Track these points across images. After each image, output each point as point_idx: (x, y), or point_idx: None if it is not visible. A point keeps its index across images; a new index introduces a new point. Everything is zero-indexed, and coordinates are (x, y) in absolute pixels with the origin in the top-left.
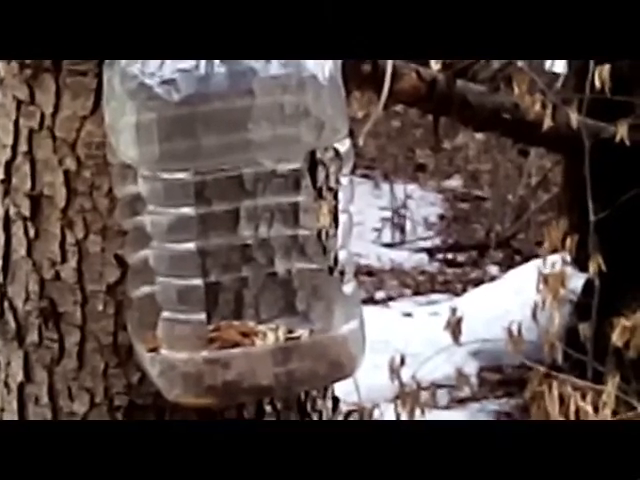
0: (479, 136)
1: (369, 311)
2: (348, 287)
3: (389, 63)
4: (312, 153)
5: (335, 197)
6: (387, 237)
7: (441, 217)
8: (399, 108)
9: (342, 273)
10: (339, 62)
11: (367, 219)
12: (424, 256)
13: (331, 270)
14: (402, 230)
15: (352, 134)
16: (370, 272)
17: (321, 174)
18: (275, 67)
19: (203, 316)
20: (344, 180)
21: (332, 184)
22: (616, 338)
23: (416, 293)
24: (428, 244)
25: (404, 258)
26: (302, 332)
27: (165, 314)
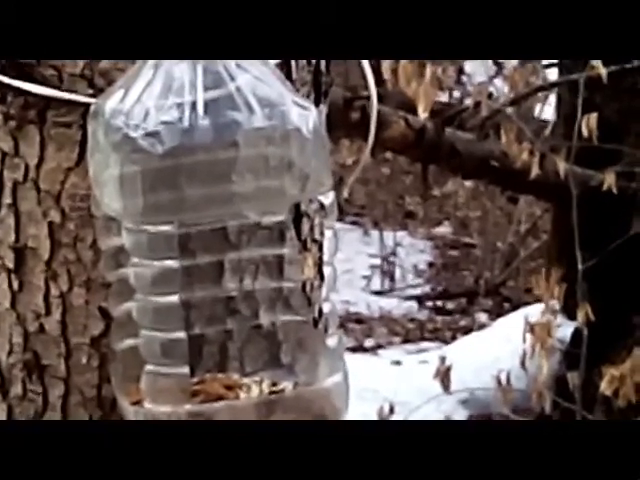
0: (468, 183)
1: (358, 359)
2: (332, 340)
3: (374, 109)
4: (297, 205)
5: (320, 249)
6: (376, 285)
7: (430, 264)
8: (388, 155)
9: (326, 325)
10: (324, 115)
11: (356, 266)
12: (413, 304)
13: (316, 322)
14: (391, 277)
15: (341, 181)
16: (359, 320)
17: (305, 226)
18: (259, 119)
19: (186, 369)
20: (328, 233)
21: (317, 236)
22: (605, 387)
23: (405, 341)
24: (417, 292)
25: (393, 306)
26: (286, 385)
27: (149, 367)
